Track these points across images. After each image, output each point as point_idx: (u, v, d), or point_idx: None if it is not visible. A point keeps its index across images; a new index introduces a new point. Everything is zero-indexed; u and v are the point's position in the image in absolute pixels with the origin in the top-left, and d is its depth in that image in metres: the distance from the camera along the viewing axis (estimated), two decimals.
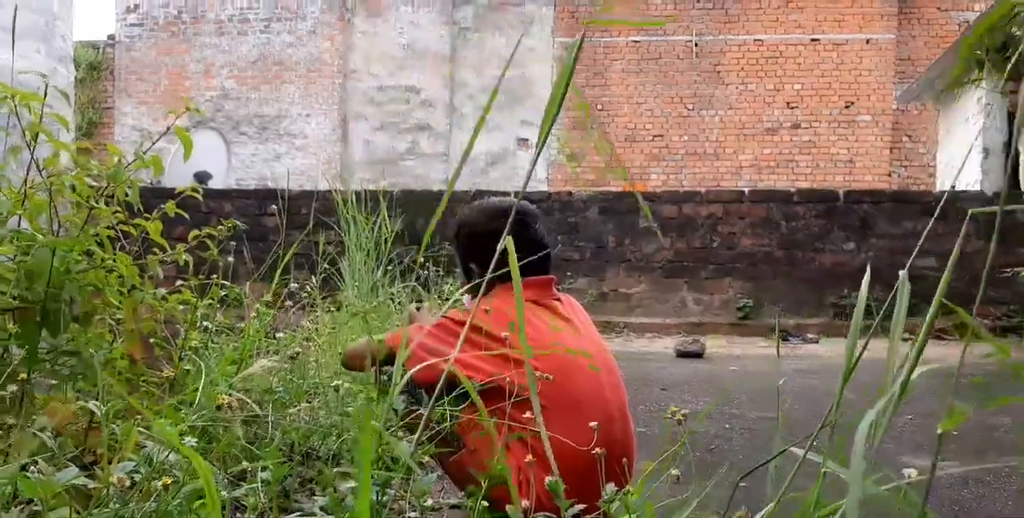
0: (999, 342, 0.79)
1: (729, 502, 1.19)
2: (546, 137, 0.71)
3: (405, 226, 7.06)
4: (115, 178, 1.59)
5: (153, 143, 1.69)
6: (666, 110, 13.66)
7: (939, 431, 0.72)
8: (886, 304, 0.92)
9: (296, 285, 2.80)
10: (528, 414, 1.82)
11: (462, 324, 1.97)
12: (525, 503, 1.62)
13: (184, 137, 1.68)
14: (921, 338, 0.82)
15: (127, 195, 1.69)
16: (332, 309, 3.83)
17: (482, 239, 2.10)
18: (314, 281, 3.86)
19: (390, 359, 2.07)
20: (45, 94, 1.58)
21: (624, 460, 1.93)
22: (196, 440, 1.46)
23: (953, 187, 9.60)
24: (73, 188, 1.58)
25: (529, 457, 1.78)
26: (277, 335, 2.80)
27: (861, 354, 0.90)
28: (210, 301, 2.70)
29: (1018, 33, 5.58)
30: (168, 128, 1.64)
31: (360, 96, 14.33)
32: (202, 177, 10.74)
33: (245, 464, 1.55)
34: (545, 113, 0.73)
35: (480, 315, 1.96)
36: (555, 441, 1.85)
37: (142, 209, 2.12)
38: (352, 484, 1.72)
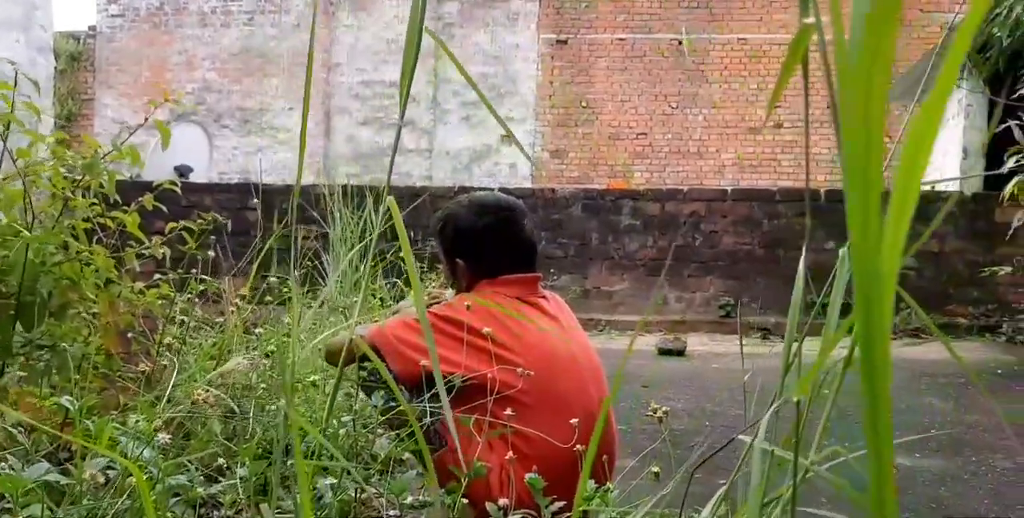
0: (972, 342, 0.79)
1: (685, 496, 1.18)
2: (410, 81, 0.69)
3: (388, 221, 7.03)
4: (91, 169, 1.56)
5: (131, 134, 1.66)
6: (650, 108, 13.67)
7: (795, 399, 0.73)
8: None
9: (276, 279, 2.78)
10: (510, 411, 1.82)
11: (444, 319, 1.96)
12: (504, 501, 1.61)
13: (162, 128, 1.66)
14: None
15: (103, 187, 1.67)
16: (312, 305, 3.81)
17: (470, 235, 2.08)
18: (295, 276, 3.83)
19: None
20: (15, 82, 1.55)
21: (605, 458, 1.93)
22: (170, 436, 1.44)
23: (932, 187, 9.67)
24: (49, 179, 1.55)
25: (510, 454, 1.77)
26: (256, 331, 2.77)
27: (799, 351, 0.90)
28: (189, 295, 2.68)
29: (998, 34, 5.62)
30: (146, 118, 1.62)
31: (344, 90, 14.26)
32: (183, 171, 10.64)
33: (220, 460, 1.53)
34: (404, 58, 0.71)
35: (462, 311, 1.95)
36: (537, 439, 1.84)
37: (120, 202, 2.09)
38: (331, 480, 1.70)
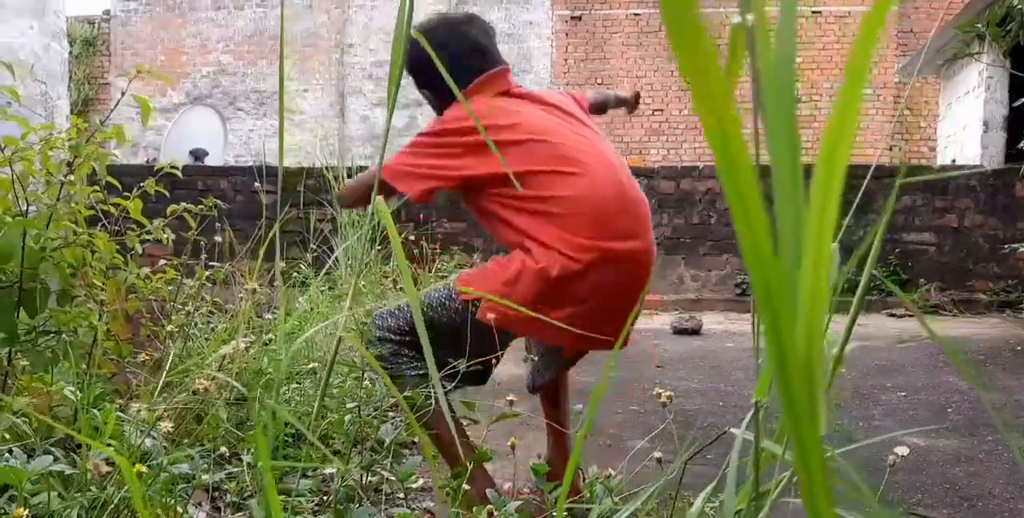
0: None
1: (678, 485, 1.17)
2: (396, 91, 0.67)
3: (401, 204, 7.01)
4: (78, 151, 1.55)
5: (110, 112, 1.65)
6: (666, 84, 13.55)
7: (753, 401, 0.71)
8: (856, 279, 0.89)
9: (283, 264, 2.77)
10: (533, 189, 1.83)
11: (435, 134, 1.96)
12: (508, 485, 1.60)
13: (144, 104, 1.65)
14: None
15: (94, 172, 1.66)
16: (325, 288, 3.81)
17: (420, 68, 2.02)
18: (308, 258, 3.83)
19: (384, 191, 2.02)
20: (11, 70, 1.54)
21: (642, 208, 1.97)
22: (172, 426, 1.44)
23: (953, 161, 9.54)
24: (41, 165, 1.54)
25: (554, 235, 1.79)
26: (266, 316, 2.78)
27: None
28: (199, 281, 2.68)
29: (1018, 6, 5.49)
30: (123, 92, 1.61)
31: (357, 71, 14.21)
32: (198, 154, 10.66)
33: (223, 449, 1.53)
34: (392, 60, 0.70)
35: (448, 117, 1.96)
36: (572, 198, 1.85)
37: (123, 187, 2.09)
38: (333, 468, 1.70)
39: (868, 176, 1.19)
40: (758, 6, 0.37)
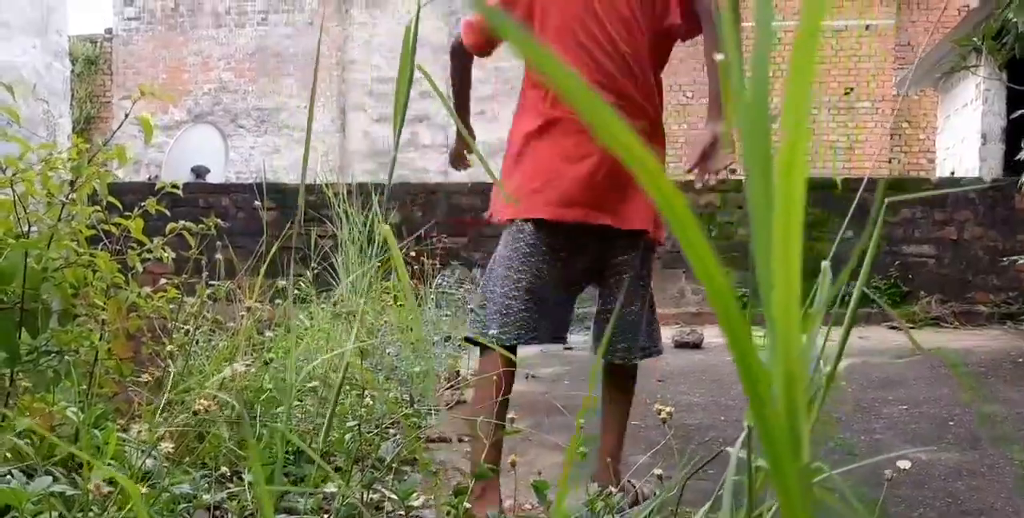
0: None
1: (679, 498, 1.17)
2: (402, 117, 0.69)
3: (402, 219, 7.03)
4: (79, 171, 1.57)
5: (113, 133, 1.67)
6: (665, 98, 13.55)
7: (746, 424, 0.72)
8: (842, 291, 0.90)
9: (283, 282, 2.78)
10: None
11: None
12: (510, 503, 1.60)
13: (146, 123, 1.67)
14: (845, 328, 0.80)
15: (95, 191, 1.67)
16: (324, 305, 3.81)
17: None
18: (308, 276, 3.84)
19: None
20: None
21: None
22: (172, 446, 1.44)
23: (952, 173, 9.56)
24: (41, 185, 1.56)
25: None
26: (267, 333, 2.78)
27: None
28: (201, 299, 2.69)
29: (1014, 20, 5.53)
30: (126, 114, 1.62)
31: (359, 87, 14.27)
32: (200, 171, 10.68)
33: (224, 469, 1.53)
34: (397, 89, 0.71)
35: None
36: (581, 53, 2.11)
37: (124, 205, 2.10)
38: (333, 487, 1.70)
39: (860, 189, 1.20)
40: (731, 33, 0.38)
